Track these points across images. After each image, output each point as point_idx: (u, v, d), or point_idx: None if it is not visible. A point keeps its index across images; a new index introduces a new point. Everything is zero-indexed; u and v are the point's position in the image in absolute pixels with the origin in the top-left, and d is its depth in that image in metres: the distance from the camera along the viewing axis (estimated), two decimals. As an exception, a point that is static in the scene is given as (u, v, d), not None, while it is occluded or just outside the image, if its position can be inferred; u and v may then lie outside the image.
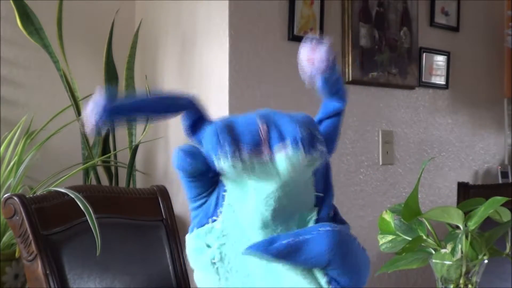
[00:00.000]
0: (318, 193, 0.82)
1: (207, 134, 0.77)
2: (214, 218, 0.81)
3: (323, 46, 0.77)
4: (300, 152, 0.74)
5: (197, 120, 0.83)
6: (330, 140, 0.83)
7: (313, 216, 0.81)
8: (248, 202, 0.78)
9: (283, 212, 0.77)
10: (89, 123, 0.74)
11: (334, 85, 0.81)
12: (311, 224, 0.80)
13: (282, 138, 0.75)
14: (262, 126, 0.76)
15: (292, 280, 0.78)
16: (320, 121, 0.85)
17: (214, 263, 0.80)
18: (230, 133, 0.76)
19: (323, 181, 0.83)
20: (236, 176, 0.77)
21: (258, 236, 0.78)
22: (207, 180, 0.80)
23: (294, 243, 0.74)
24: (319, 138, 0.78)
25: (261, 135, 0.75)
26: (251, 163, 0.74)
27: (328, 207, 0.82)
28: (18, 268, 1.66)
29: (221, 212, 0.80)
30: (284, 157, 0.74)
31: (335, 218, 0.84)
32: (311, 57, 0.77)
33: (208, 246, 0.81)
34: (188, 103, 0.82)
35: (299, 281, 0.77)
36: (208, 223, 0.81)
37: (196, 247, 0.82)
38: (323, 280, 0.77)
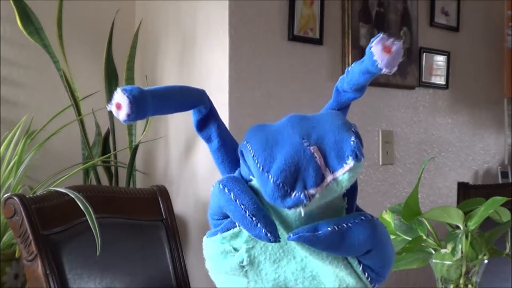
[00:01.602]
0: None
1: (265, 182, 0.72)
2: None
3: (399, 43, 0.77)
4: (361, 163, 0.72)
5: (206, 115, 0.82)
6: None
7: (344, 206, 0.80)
8: (276, 208, 0.77)
9: (320, 204, 0.77)
10: (125, 112, 0.70)
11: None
12: (343, 213, 0.80)
13: (340, 157, 0.72)
14: (314, 149, 0.73)
15: (326, 277, 0.78)
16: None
17: (242, 267, 0.79)
18: (293, 176, 0.71)
19: None
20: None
21: (293, 228, 0.77)
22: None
23: (338, 230, 0.74)
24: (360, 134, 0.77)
25: (318, 162, 0.71)
26: (321, 196, 0.71)
27: (354, 197, 0.82)
28: (18, 268, 1.66)
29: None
30: (348, 175, 0.71)
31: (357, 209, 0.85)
32: (388, 46, 0.77)
33: (235, 249, 0.80)
34: (205, 97, 0.81)
35: (335, 274, 0.78)
36: (235, 226, 0.80)
37: (221, 250, 0.81)
38: (359, 269, 0.78)
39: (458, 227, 1.00)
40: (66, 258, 1.33)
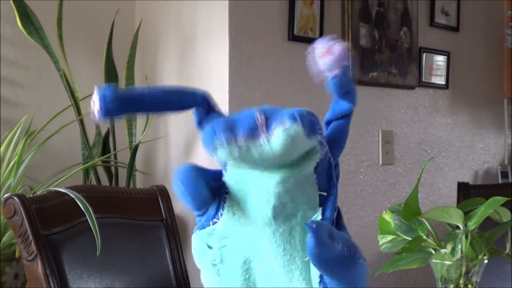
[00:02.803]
0: (322, 192, 0.81)
1: (205, 129, 0.77)
2: (215, 220, 0.81)
3: (341, 44, 0.75)
4: (297, 124, 0.73)
5: (208, 115, 0.83)
6: (338, 141, 0.83)
7: (318, 216, 0.80)
8: (249, 202, 0.78)
9: (285, 210, 0.77)
10: (96, 111, 0.73)
11: (345, 85, 0.79)
12: None
13: (280, 122, 0.74)
14: (260, 115, 0.75)
15: (289, 283, 0.77)
16: (329, 122, 0.84)
17: (215, 265, 0.80)
18: (226, 124, 0.75)
19: (327, 180, 0.82)
20: (235, 166, 0.76)
21: (260, 235, 0.77)
22: (210, 198, 0.81)
23: (345, 257, 0.74)
24: (319, 126, 0.77)
25: (257, 122, 0.74)
26: (247, 148, 0.73)
27: (331, 208, 0.81)
28: (18, 268, 1.66)
29: (222, 214, 0.80)
30: (281, 131, 0.72)
31: (338, 223, 0.83)
32: (326, 52, 0.74)
33: (210, 247, 0.81)
34: (200, 98, 0.82)
35: (296, 284, 0.77)
36: (209, 225, 0.81)
37: (199, 248, 0.83)
38: (316, 284, 0.77)
39: (458, 227, 1.00)
40: (66, 258, 1.33)
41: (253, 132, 0.73)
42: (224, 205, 0.80)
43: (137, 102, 0.77)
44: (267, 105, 0.80)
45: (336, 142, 0.81)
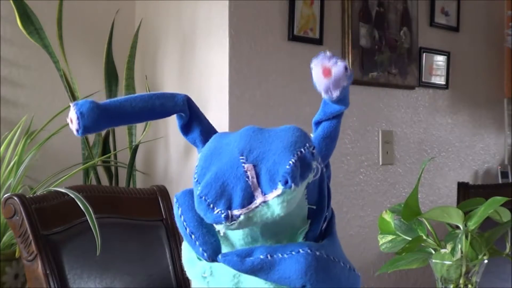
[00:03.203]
0: (311, 206, 0.78)
1: (195, 193, 0.71)
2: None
3: (340, 65, 0.70)
4: (293, 189, 0.67)
5: (190, 119, 0.81)
6: (329, 141, 0.81)
7: (305, 229, 0.77)
8: None
9: (273, 226, 0.75)
10: (74, 130, 0.72)
11: (341, 98, 0.77)
12: (301, 238, 0.77)
13: (272, 180, 0.68)
14: (248, 168, 0.70)
15: None
16: (319, 122, 0.82)
17: (204, 277, 0.79)
18: (218, 191, 0.69)
19: (317, 192, 0.78)
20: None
21: (235, 247, 0.76)
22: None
23: (268, 261, 0.71)
24: (312, 156, 0.72)
25: (249, 182, 0.69)
26: (247, 218, 0.68)
27: (319, 220, 0.79)
28: (18, 268, 1.66)
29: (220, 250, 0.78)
30: (277, 201, 0.67)
31: (326, 229, 0.80)
32: (324, 73, 0.70)
33: (199, 259, 0.80)
34: (180, 103, 0.80)
35: None
36: None
37: (188, 258, 0.81)
38: None
39: (458, 227, 1.00)
40: (66, 258, 1.33)
41: (249, 198, 0.68)
42: None
43: (117, 113, 0.75)
44: (248, 133, 0.75)
45: (328, 143, 0.80)
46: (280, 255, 0.71)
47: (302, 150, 0.70)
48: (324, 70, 0.70)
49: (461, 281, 0.98)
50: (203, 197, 0.69)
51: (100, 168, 2.06)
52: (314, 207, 0.78)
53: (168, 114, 0.80)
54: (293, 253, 0.71)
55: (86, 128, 0.72)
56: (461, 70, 2.79)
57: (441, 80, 2.67)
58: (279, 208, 0.68)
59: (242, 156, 0.71)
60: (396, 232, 1.07)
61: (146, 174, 2.24)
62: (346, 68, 0.70)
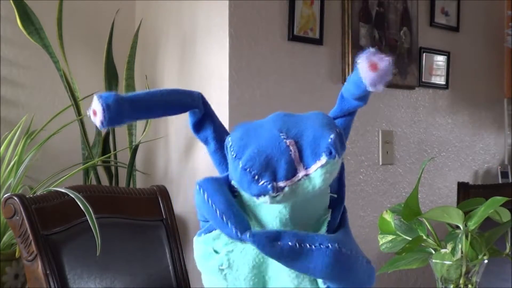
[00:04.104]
0: (332, 194, 0.80)
1: (235, 168, 0.72)
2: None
3: (386, 60, 0.73)
4: (336, 160, 0.70)
5: (204, 116, 0.82)
6: (345, 138, 0.82)
7: (327, 218, 0.79)
8: (261, 206, 0.76)
9: (302, 212, 0.76)
10: (99, 122, 0.71)
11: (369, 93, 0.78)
12: (324, 226, 0.79)
13: (315, 153, 0.71)
14: (290, 143, 0.72)
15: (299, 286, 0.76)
16: (335, 119, 0.84)
17: (222, 270, 0.78)
18: (260, 161, 0.70)
19: (338, 181, 0.81)
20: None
21: None
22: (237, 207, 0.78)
23: (297, 249, 0.71)
24: (343, 135, 0.75)
25: (292, 155, 0.70)
26: (292, 190, 0.70)
27: (339, 209, 0.81)
28: (18, 268, 1.66)
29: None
30: (320, 172, 0.70)
31: (340, 221, 0.83)
32: (371, 67, 0.73)
33: (216, 252, 0.79)
34: (197, 99, 0.81)
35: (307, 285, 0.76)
36: (216, 229, 0.80)
37: (204, 252, 0.81)
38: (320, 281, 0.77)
39: (458, 227, 1.00)
40: (66, 258, 1.33)
41: (292, 170, 0.70)
42: None
43: (140, 106, 0.75)
44: (281, 116, 0.77)
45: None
46: (308, 246, 0.72)
47: (337, 129, 0.74)
48: (371, 64, 0.73)
49: (461, 281, 0.98)
50: (248, 169, 0.70)
51: (100, 168, 2.06)
52: (335, 195, 0.81)
53: (186, 109, 0.81)
54: (322, 246, 0.73)
55: (111, 120, 0.71)
56: (461, 70, 2.79)
57: (441, 80, 2.67)
58: (321, 179, 0.70)
59: (282, 133, 0.73)
60: (396, 232, 1.07)
61: (146, 174, 2.24)
62: (391, 63, 0.73)
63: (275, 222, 0.76)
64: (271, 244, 0.71)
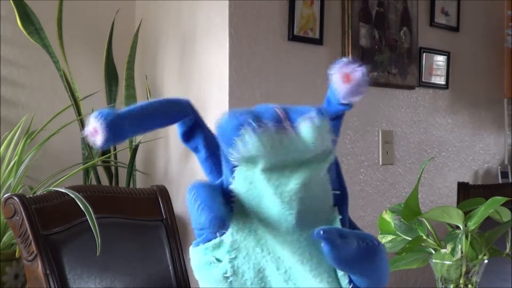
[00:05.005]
0: (335, 191, 0.79)
1: (225, 121, 0.72)
2: (223, 231, 0.77)
3: (360, 70, 0.72)
4: (325, 118, 0.70)
5: (193, 124, 0.80)
6: (334, 141, 0.82)
7: (335, 216, 0.78)
8: (264, 209, 0.75)
9: (307, 214, 0.75)
10: (99, 141, 0.69)
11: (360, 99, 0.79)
12: (336, 223, 0.77)
13: (302, 114, 0.71)
14: (279, 109, 0.72)
15: (318, 285, 0.75)
16: None
17: (227, 278, 0.76)
18: (249, 114, 0.71)
19: (337, 178, 0.80)
20: (250, 167, 0.72)
21: (282, 244, 0.75)
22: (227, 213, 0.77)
23: (366, 247, 0.71)
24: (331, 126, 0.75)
25: (279, 113, 0.71)
26: (279, 138, 0.69)
27: (346, 205, 0.80)
28: (18, 268, 1.66)
29: (229, 225, 0.77)
30: (310, 126, 0.70)
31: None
32: (344, 79, 0.72)
33: (218, 260, 0.78)
34: (186, 107, 0.79)
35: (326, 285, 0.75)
36: (216, 237, 0.77)
37: (204, 262, 0.79)
38: (346, 284, 0.76)
39: (458, 227, 1.00)
40: (66, 258, 1.33)
41: (280, 124, 0.70)
42: (232, 216, 0.76)
43: (137, 122, 0.73)
44: (272, 105, 0.78)
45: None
46: (371, 243, 0.72)
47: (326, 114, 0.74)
48: (344, 76, 0.71)
49: (461, 281, 0.98)
50: (236, 117, 0.71)
51: (100, 168, 2.06)
52: (338, 192, 0.79)
53: (179, 119, 0.79)
54: (375, 242, 0.72)
55: (110, 140, 0.69)
56: (461, 70, 2.79)
57: (441, 80, 2.67)
58: (310, 134, 0.70)
59: (275, 108, 0.74)
60: (396, 232, 1.07)
61: (146, 174, 2.24)
62: (366, 73, 0.72)
63: (281, 229, 0.74)
64: (344, 241, 0.69)
